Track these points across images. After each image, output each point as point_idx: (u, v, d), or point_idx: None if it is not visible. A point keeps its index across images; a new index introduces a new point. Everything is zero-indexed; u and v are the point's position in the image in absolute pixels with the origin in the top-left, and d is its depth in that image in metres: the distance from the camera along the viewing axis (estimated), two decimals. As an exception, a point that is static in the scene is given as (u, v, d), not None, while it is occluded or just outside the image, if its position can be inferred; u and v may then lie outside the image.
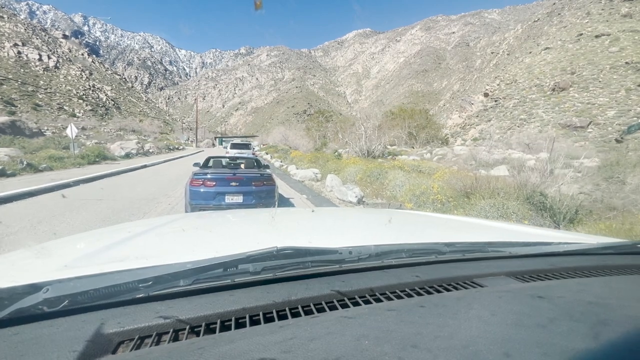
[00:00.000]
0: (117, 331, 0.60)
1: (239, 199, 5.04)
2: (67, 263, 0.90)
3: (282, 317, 0.68)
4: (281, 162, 21.26)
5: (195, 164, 6.19)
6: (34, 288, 0.64)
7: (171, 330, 0.62)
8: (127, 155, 19.99)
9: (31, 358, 0.51)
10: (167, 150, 30.66)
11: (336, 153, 25.06)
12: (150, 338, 0.60)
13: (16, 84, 55.86)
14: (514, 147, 20.85)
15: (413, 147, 30.33)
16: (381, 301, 0.76)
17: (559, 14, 60.19)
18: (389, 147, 23.58)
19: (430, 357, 0.50)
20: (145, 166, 15.19)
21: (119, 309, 0.67)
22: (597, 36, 39.61)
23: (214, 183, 4.97)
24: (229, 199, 4.99)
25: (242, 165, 6.93)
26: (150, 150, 26.06)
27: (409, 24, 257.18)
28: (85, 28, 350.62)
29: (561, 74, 35.47)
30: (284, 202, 7.64)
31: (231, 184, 5.06)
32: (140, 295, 0.70)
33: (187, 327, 0.63)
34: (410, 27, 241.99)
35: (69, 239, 1.47)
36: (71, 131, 15.35)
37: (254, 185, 5.18)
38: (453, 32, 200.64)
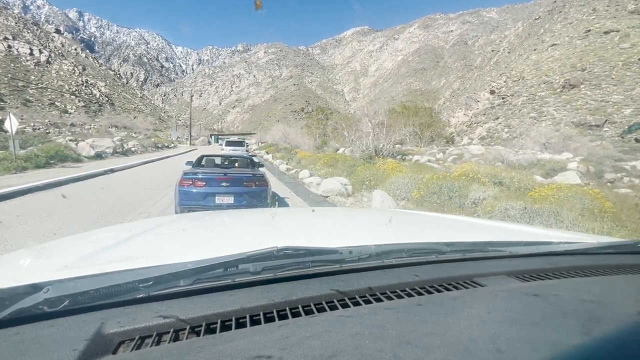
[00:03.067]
0: (118, 331, 0.60)
1: (229, 199, 4.89)
2: (68, 263, 0.91)
3: (283, 317, 0.69)
4: (287, 164, 17.69)
5: (188, 163, 6.05)
6: (35, 288, 0.65)
7: (171, 330, 0.62)
8: (98, 156, 16.71)
9: (32, 358, 0.52)
10: (153, 149, 27.02)
11: (337, 151, 23.77)
12: (151, 338, 0.60)
13: (5, 79, 54.10)
14: (531, 146, 19.64)
15: (418, 146, 29.11)
16: (381, 301, 0.77)
17: (559, 11, 59.31)
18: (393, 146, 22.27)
19: (424, 353, 0.51)
20: (111, 171, 11.95)
21: (119, 309, 0.67)
22: (605, 32, 38.62)
23: (204, 183, 4.83)
24: (219, 200, 4.84)
25: (236, 165, 6.75)
26: (133, 149, 22.79)
27: (407, 22, 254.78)
28: (81, 24, 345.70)
29: (571, 70, 34.42)
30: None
31: (222, 184, 4.90)
32: (141, 295, 0.70)
33: (188, 327, 0.64)
34: (408, 25, 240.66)
35: (70, 239, 1.47)
36: (10, 124, 10.93)
37: (245, 185, 5.05)
38: (451, 31, 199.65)
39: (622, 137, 22.71)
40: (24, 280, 0.69)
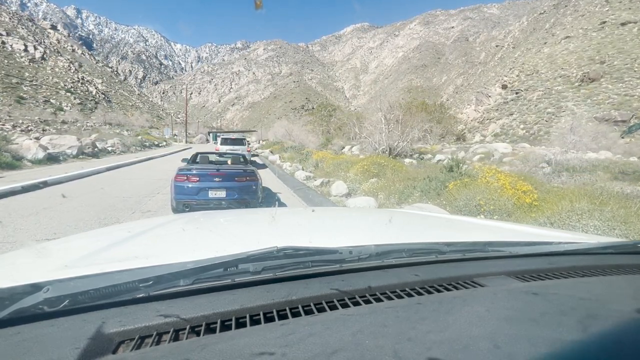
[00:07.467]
0: (118, 331, 0.60)
1: (222, 193, 5.15)
2: (68, 263, 0.91)
3: (283, 316, 0.69)
4: (302, 168, 13.47)
5: (184, 160, 6.52)
6: (35, 288, 0.65)
7: (172, 330, 0.63)
8: (52, 158, 12.69)
9: (32, 357, 0.52)
10: (138, 148, 23.56)
11: (342, 150, 22.18)
12: (151, 338, 0.60)
13: (-2, 76, 52.40)
14: (559, 143, 18.02)
15: (429, 144, 27.53)
16: (381, 300, 0.77)
17: (565, 5, 57.68)
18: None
19: (424, 349, 0.52)
20: (40, 186, 7.78)
21: (119, 308, 0.67)
22: (622, 24, 37.03)
23: (198, 179, 5.08)
24: (212, 194, 5.10)
25: (229, 162, 7.12)
26: (110, 149, 19.29)
27: (408, 19, 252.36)
28: (79, 21, 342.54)
29: (589, 63, 32.83)
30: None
31: (214, 179, 5.16)
32: (141, 295, 0.70)
33: (188, 326, 0.64)
34: (408, 22, 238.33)
35: (70, 238, 1.48)
36: None
37: (237, 180, 5.29)
38: (452, 27, 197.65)
39: (623, 137, 21.70)
40: (24, 279, 0.68)
